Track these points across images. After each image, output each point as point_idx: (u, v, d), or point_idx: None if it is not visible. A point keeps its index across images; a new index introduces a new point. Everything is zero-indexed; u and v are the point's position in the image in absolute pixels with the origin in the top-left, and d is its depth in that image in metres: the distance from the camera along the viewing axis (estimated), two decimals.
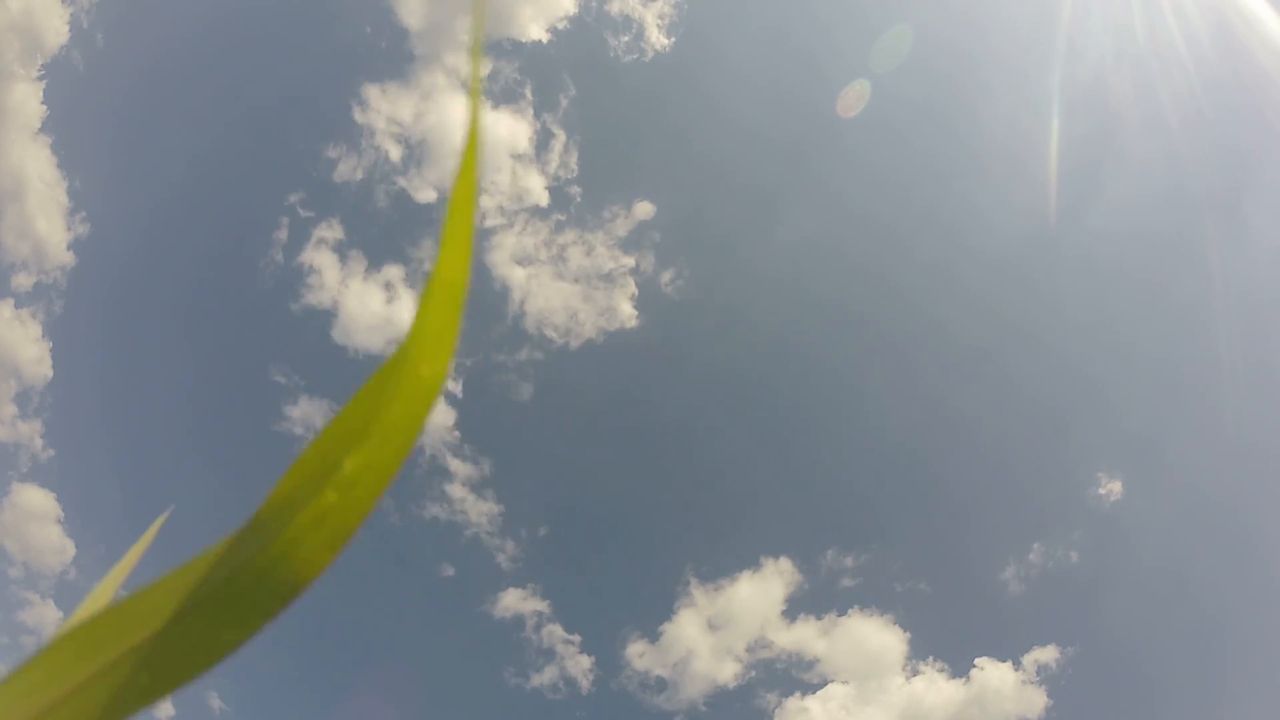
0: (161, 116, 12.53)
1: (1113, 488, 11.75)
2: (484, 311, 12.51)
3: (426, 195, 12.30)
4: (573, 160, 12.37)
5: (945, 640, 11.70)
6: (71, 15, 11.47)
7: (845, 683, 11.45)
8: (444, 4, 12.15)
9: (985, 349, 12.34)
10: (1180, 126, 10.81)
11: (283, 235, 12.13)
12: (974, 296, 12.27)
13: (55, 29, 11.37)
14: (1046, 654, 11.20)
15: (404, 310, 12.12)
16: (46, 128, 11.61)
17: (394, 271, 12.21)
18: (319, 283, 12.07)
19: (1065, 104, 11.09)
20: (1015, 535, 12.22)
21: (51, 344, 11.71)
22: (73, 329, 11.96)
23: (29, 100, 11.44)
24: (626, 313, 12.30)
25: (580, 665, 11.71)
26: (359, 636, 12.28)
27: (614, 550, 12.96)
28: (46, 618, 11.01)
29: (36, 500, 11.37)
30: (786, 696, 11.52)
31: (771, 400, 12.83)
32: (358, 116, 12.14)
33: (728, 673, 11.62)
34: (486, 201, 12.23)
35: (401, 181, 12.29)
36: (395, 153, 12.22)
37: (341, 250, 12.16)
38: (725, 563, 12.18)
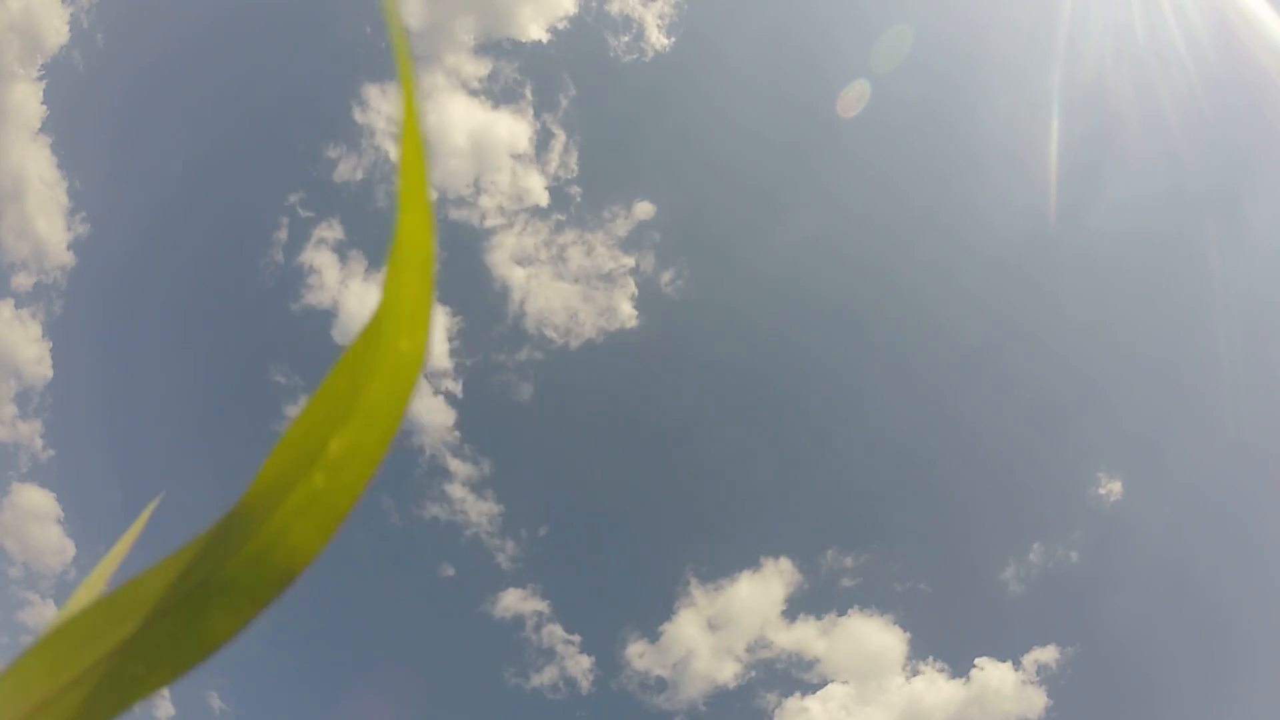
0: (161, 116, 12.55)
1: (1113, 488, 11.77)
2: (484, 311, 12.51)
3: None
4: (573, 160, 12.38)
5: (945, 640, 11.71)
6: (71, 15, 11.49)
7: (845, 683, 11.46)
8: (444, 4, 12.16)
9: (985, 349, 12.35)
10: (1180, 126, 10.82)
11: (283, 235, 12.15)
12: (974, 296, 12.28)
13: (55, 29, 11.38)
14: (1046, 654, 11.21)
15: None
16: (46, 128, 11.62)
17: None
18: (319, 283, 12.08)
19: (1065, 104, 11.10)
20: (1015, 535, 12.23)
21: (51, 344, 11.73)
22: (73, 329, 11.98)
23: (29, 100, 11.45)
24: (626, 313, 12.31)
25: (580, 665, 11.72)
26: (359, 636, 12.30)
27: (614, 550, 12.97)
28: (46, 618, 11.00)
29: (36, 500, 11.39)
30: (786, 696, 11.53)
31: (771, 400, 12.84)
32: (358, 116, 12.16)
33: (728, 673, 11.63)
34: (486, 201, 12.24)
35: None
36: (395, 152, 12.21)
37: (341, 250, 12.17)
38: (725, 563, 12.20)
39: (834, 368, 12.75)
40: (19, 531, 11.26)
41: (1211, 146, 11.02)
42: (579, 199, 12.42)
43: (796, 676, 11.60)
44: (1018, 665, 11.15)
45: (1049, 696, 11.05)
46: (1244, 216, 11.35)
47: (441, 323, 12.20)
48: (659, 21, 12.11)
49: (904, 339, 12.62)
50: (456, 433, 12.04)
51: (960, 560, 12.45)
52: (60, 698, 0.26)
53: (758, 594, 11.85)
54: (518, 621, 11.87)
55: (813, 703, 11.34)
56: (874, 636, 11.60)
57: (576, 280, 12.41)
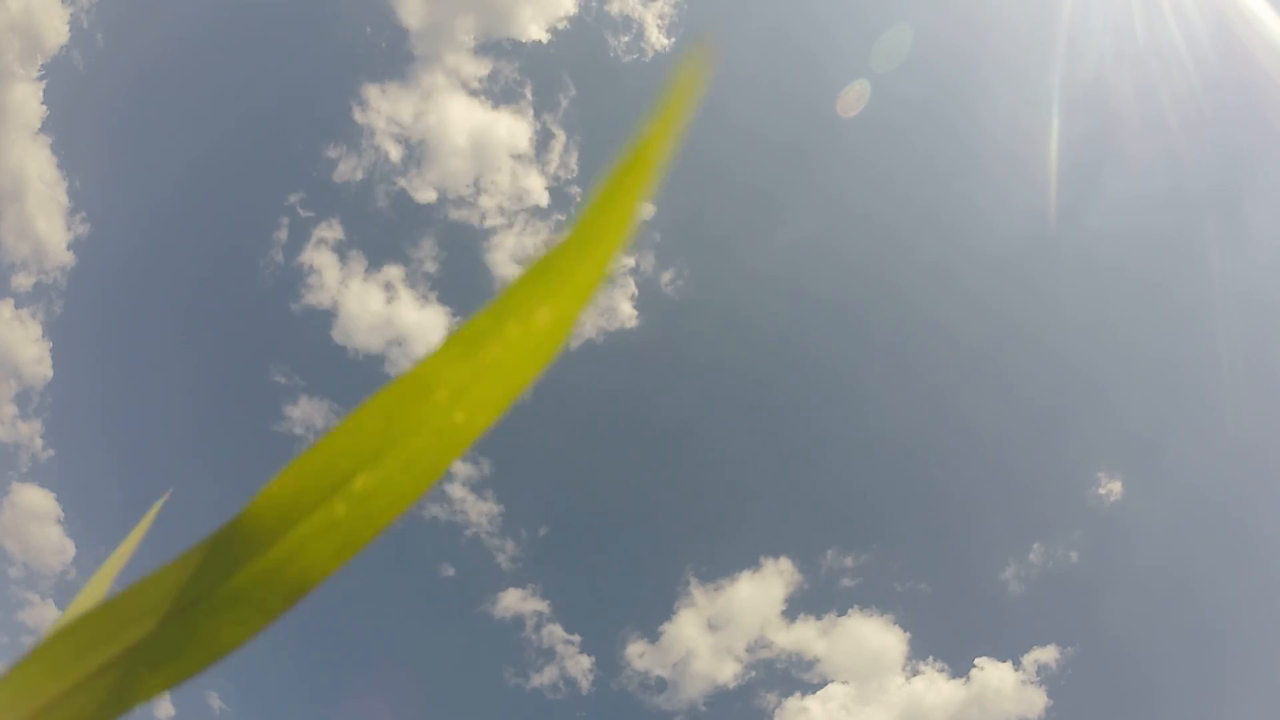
0: (161, 116, 12.54)
1: (1113, 488, 11.76)
2: None
3: (426, 195, 12.30)
4: (573, 160, 12.38)
5: (945, 640, 11.71)
6: (71, 15, 11.48)
7: (845, 683, 11.46)
8: (444, 4, 12.15)
9: (985, 349, 12.35)
10: (1180, 126, 10.82)
11: (283, 235, 12.14)
12: (974, 296, 12.27)
13: (55, 29, 11.37)
14: (1046, 654, 11.21)
15: (403, 310, 12.14)
16: (46, 128, 11.61)
17: (394, 272, 12.20)
18: (319, 283, 12.07)
19: (1065, 104, 11.10)
20: (1015, 535, 12.23)
21: (51, 344, 11.72)
22: (73, 329, 11.97)
23: (29, 100, 11.44)
24: (626, 313, 12.30)
25: (580, 665, 11.72)
26: (359, 636, 12.29)
27: (614, 550, 12.97)
28: (46, 618, 11.01)
29: (36, 500, 11.38)
30: (786, 696, 11.53)
31: (771, 400, 12.84)
32: (358, 116, 12.15)
33: (728, 673, 11.63)
34: (486, 202, 12.24)
35: (401, 181, 12.29)
36: (395, 153, 12.21)
37: (341, 250, 12.16)
38: (725, 563, 12.19)
39: (834, 368, 12.75)
40: (19, 531, 11.26)
41: (1211, 146, 11.02)
42: (579, 199, 12.41)
43: (796, 676, 11.61)
44: (1018, 665, 11.16)
45: (1049, 696, 11.06)
46: (1244, 216, 11.35)
47: (441, 323, 12.21)
48: (659, 21, 12.11)
49: (904, 339, 12.63)
50: None
51: (960, 560, 12.46)
52: (65, 699, 0.26)
53: (758, 594, 11.86)
54: (518, 621, 11.87)
55: (813, 703, 11.35)
56: (874, 636, 11.61)
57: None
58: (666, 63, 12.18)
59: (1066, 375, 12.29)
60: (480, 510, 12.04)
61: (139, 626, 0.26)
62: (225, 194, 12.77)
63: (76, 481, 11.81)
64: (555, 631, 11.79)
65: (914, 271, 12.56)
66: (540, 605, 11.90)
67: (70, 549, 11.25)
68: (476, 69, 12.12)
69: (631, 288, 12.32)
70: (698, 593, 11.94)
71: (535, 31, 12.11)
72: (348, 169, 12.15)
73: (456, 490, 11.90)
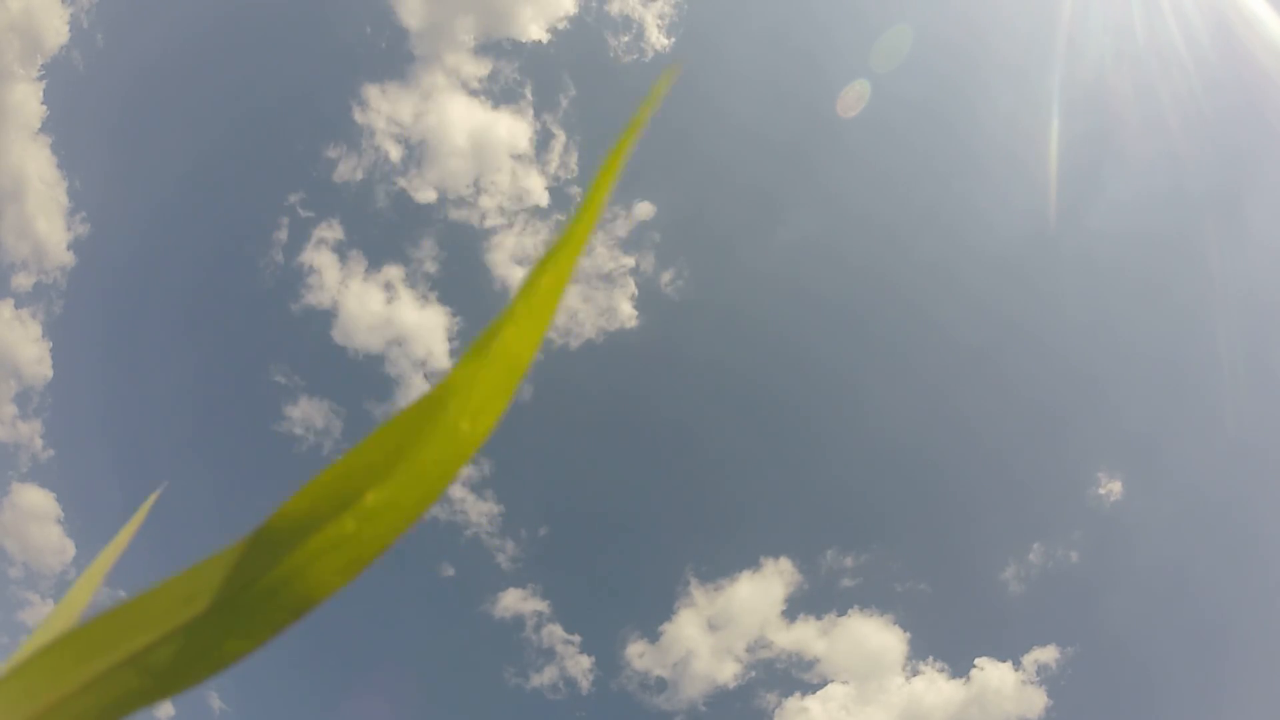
0: (161, 117, 12.54)
1: (1113, 488, 11.77)
2: (484, 311, 12.51)
3: (426, 195, 12.30)
4: (573, 160, 12.37)
5: (945, 640, 11.71)
6: (71, 15, 11.48)
7: (845, 683, 11.46)
8: (444, 4, 12.16)
9: (985, 349, 12.35)
10: (1180, 126, 10.82)
11: (283, 235, 12.14)
12: (974, 296, 12.28)
13: (55, 29, 11.37)
14: (1046, 654, 11.21)
15: (403, 310, 12.14)
16: (46, 128, 11.61)
17: (394, 272, 12.20)
18: (319, 283, 12.07)
19: (1065, 104, 11.10)
20: (1015, 535, 12.23)
21: (51, 344, 11.72)
22: (73, 329, 11.97)
23: (29, 100, 11.44)
24: (626, 313, 12.30)
25: (580, 665, 11.72)
26: (359, 636, 12.29)
27: (614, 550, 12.97)
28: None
29: (36, 500, 11.38)
30: (786, 696, 11.53)
31: (771, 400, 12.84)
32: (358, 116, 12.15)
33: (728, 673, 11.63)
34: (486, 202, 12.24)
35: (401, 181, 12.29)
36: (395, 153, 12.21)
37: (341, 250, 12.16)
38: (725, 563, 12.19)
39: (834, 368, 12.75)
40: (19, 531, 11.26)
41: (1211, 146, 11.03)
42: (579, 199, 12.39)
43: (796, 676, 11.61)
44: (1018, 665, 11.17)
45: (1049, 696, 11.06)
46: (1244, 216, 11.36)
47: (442, 323, 12.21)
48: (659, 21, 12.11)
49: (904, 339, 12.63)
50: None
51: (960, 560, 12.46)
52: (65, 702, 0.26)
53: (758, 594, 11.86)
54: (518, 621, 11.87)
55: (813, 703, 11.35)
56: (874, 636, 11.62)
57: (576, 280, 12.41)
58: (667, 63, 12.17)
59: (1066, 375, 12.30)
60: (480, 510, 12.04)
61: (143, 635, 0.27)
62: (225, 194, 12.78)
63: (76, 481, 11.82)
64: (555, 631, 11.80)
65: (914, 271, 12.57)
66: (540, 605, 11.91)
67: (70, 549, 11.26)
68: (476, 69, 12.13)
69: (631, 288, 12.32)
70: (698, 593, 11.95)
71: (535, 31, 12.12)
72: (348, 169, 12.16)
73: (456, 490, 11.91)
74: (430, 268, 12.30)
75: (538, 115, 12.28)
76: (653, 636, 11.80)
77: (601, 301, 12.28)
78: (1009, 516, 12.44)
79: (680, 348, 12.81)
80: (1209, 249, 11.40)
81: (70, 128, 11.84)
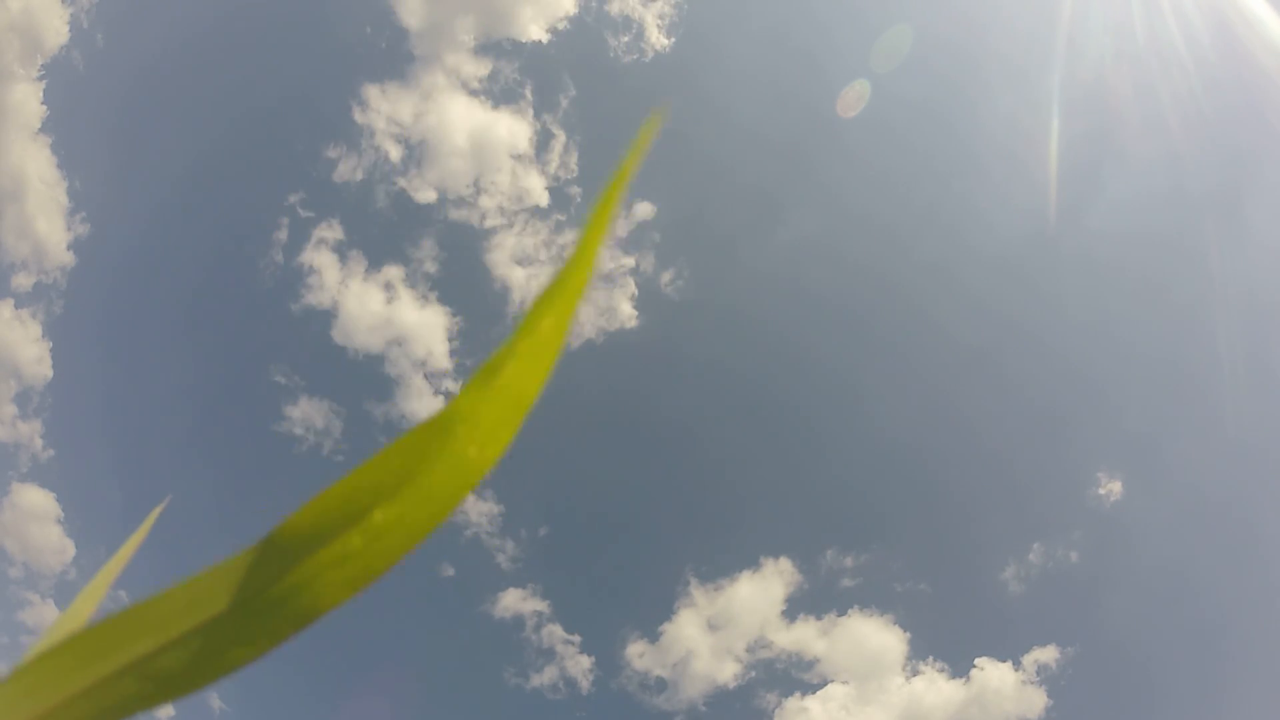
0: (161, 116, 12.54)
1: (1113, 488, 11.76)
2: (484, 311, 12.51)
3: (426, 195, 12.30)
4: (573, 160, 12.37)
5: (945, 640, 11.71)
6: (71, 15, 11.48)
7: (845, 683, 11.46)
8: (444, 4, 12.15)
9: (985, 349, 12.35)
10: (1180, 126, 10.82)
11: (283, 235, 12.13)
12: (974, 296, 12.28)
13: (55, 29, 11.37)
14: (1046, 654, 11.21)
15: (403, 310, 12.14)
16: (46, 128, 11.61)
17: (394, 272, 12.20)
18: (319, 283, 12.06)
19: (1065, 104, 11.10)
20: (1015, 535, 12.23)
21: (51, 344, 11.72)
22: (73, 329, 11.97)
23: (29, 100, 11.44)
24: (626, 313, 12.29)
25: (580, 665, 11.72)
26: (359, 636, 12.28)
27: (614, 550, 12.97)
28: (46, 618, 11.02)
29: (36, 500, 11.39)
30: (786, 696, 11.53)
31: (771, 400, 12.84)
32: (358, 116, 12.15)
33: (728, 673, 11.63)
34: (486, 202, 12.25)
35: (401, 181, 12.28)
36: (395, 153, 12.20)
37: (341, 250, 12.16)
38: (725, 563, 12.19)
39: (834, 368, 12.75)
40: (19, 531, 11.26)
41: (1211, 146, 11.03)
42: (579, 199, 12.43)
43: (796, 676, 11.61)
44: (1018, 665, 11.17)
45: (1049, 696, 11.06)
46: (1244, 216, 11.36)
47: (442, 323, 12.21)
48: (659, 21, 12.11)
49: (904, 339, 12.63)
50: None
51: (960, 560, 12.46)
52: (67, 705, 0.26)
53: (757, 594, 11.86)
54: (518, 621, 11.87)
55: (813, 703, 11.35)
56: (874, 636, 11.61)
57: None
58: (667, 63, 12.19)
59: (1066, 375, 12.30)
60: (480, 510, 12.04)
61: (148, 641, 0.27)
62: (225, 194, 12.78)
63: (76, 481, 11.83)
64: (555, 631, 11.80)
65: (914, 271, 12.57)
66: (540, 605, 11.91)
67: (70, 549, 11.27)
68: (476, 69, 12.12)
69: (631, 288, 12.32)
70: (698, 593, 11.95)
71: (535, 31, 12.12)
72: (348, 169, 12.15)
73: None
74: (430, 268, 12.30)
75: (538, 115, 12.28)
76: (653, 636, 11.81)
77: (601, 301, 12.29)
78: (1009, 516, 12.45)
79: (680, 348, 12.82)
80: (1209, 249, 11.41)
81: (70, 128, 11.84)
